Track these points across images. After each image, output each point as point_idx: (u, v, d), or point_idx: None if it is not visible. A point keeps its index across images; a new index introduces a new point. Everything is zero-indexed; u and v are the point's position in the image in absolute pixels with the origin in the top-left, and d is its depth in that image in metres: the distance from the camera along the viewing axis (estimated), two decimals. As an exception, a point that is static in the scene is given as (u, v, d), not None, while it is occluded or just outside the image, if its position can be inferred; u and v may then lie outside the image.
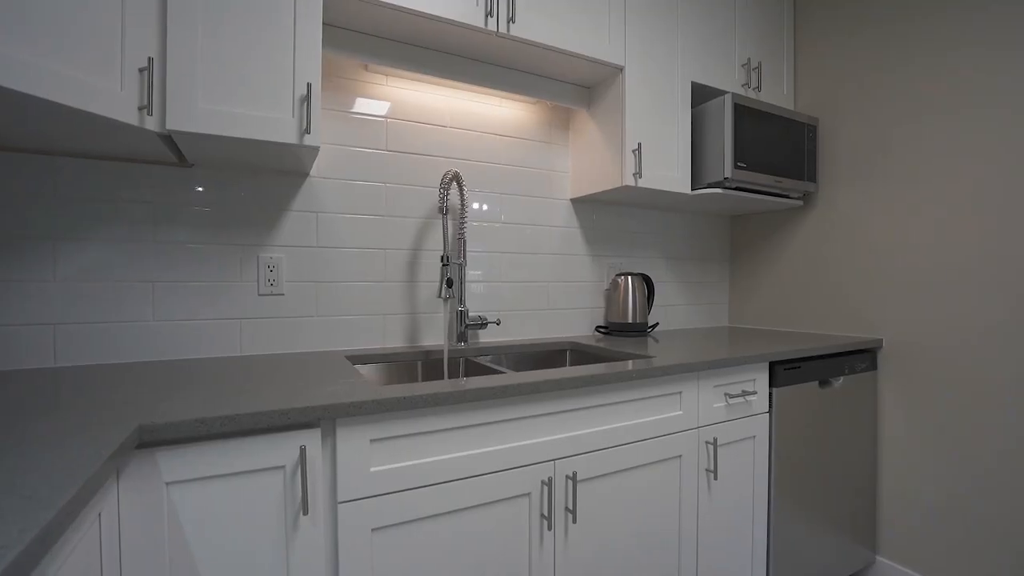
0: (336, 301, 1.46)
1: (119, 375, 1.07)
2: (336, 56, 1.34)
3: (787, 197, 1.88)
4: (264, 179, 1.37)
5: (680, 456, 1.28)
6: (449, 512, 0.98)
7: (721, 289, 2.29)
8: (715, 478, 1.32)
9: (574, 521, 1.09)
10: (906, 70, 1.66)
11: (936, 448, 1.60)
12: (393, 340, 1.54)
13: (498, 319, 1.67)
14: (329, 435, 0.88)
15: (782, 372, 1.47)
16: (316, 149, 1.14)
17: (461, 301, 1.59)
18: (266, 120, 1.07)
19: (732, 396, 1.37)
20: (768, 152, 1.74)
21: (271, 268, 1.37)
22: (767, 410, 1.46)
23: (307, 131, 1.10)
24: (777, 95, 1.95)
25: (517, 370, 1.62)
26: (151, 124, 0.98)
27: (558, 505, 1.09)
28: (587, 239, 1.91)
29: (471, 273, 1.67)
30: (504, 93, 1.63)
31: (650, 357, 1.35)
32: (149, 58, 0.96)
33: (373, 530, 0.91)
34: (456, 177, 1.47)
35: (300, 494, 0.84)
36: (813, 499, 1.56)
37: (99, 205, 1.20)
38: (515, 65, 1.57)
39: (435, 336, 1.61)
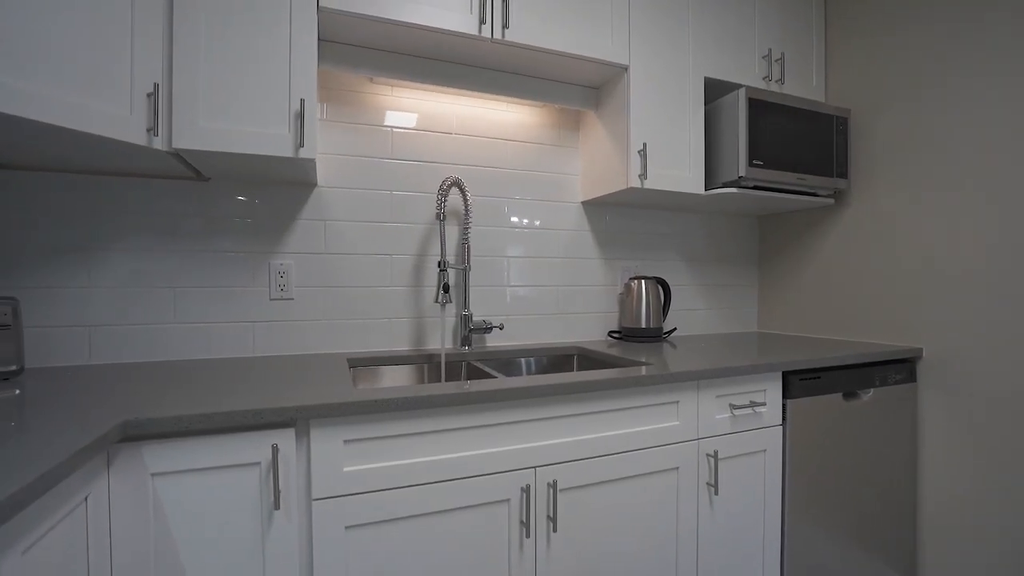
0: (343, 305, 1.52)
1: (140, 372, 1.17)
2: (342, 71, 1.40)
3: (814, 195, 1.76)
4: (274, 190, 1.45)
5: (677, 468, 1.23)
6: (425, 514, 0.99)
7: (749, 293, 2.17)
8: (716, 493, 1.26)
9: (555, 530, 1.07)
10: (953, 56, 1.51)
11: (989, 472, 1.43)
12: (399, 343, 1.59)
13: (501, 324, 1.68)
14: (304, 435, 0.92)
15: (797, 383, 1.38)
16: (312, 161, 1.20)
17: (465, 305, 1.61)
18: (263, 135, 1.14)
19: (737, 407, 1.30)
20: (790, 148, 1.63)
21: (281, 274, 1.45)
22: (780, 423, 1.37)
23: (301, 144, 1.16)
24: (805, 87, 1.83)
25: (520, 374, 1.62)
26: (158, 144, 1.07)
27: (540, 513, 1.08)
28: (599, 242, 1.88)
29: (477, 277, 1.68)
30: (509, 98, 1.63)
31: (647, 364, 1.31)
32: (155, 83, 1.04)
33: (347, 528, 0.94)
34: (457, 183, 1.49)
35: (272, 490, 0.88)
36: (838, 521, 1.45)
37: (128, 218, 1.32)
38: (517, 70, 1.57)
39: (439, 339, 1.64)
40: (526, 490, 1.05)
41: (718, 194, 1.65)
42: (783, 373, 1.38)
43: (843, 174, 1.73)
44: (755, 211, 2.04)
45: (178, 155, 1.14)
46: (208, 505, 0.86)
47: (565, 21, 1.44)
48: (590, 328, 1.87)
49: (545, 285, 1.79)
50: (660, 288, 1.91)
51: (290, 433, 0.90)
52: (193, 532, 0.85)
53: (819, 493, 1.41)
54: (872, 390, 1.51)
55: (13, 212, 1.22)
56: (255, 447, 0.88)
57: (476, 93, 1.58)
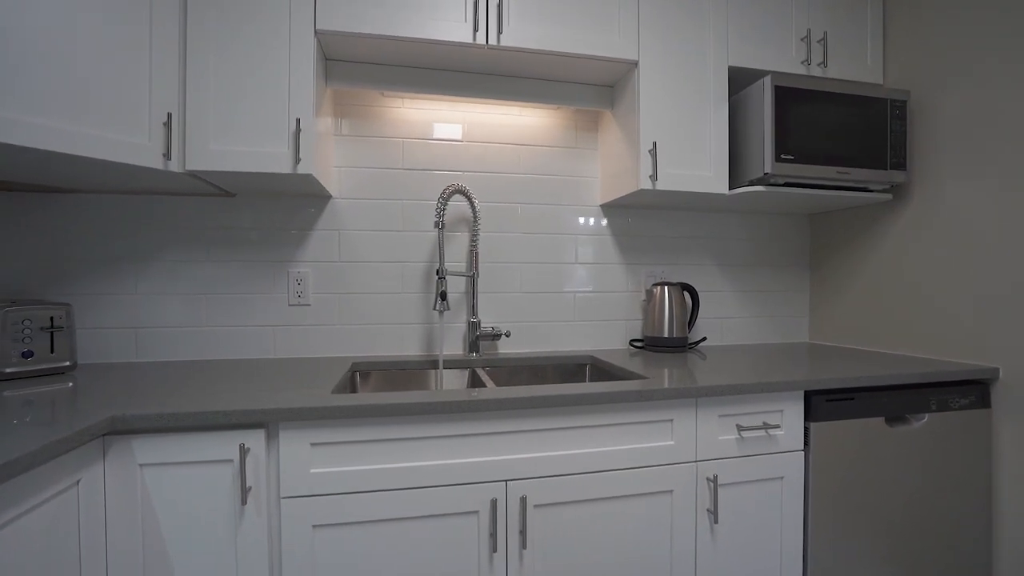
0: (356, 311, 1.59)
1: (172, 370, 1.31)
2: (352, 88, 1.47)
3: (864, 190, 1.55)
4: (292, 202, 1.55)
5: (671, 491, 1.15)
6: (392, 520, 1.01)
7: (798, 299, 1.96)
8: (716, 521, 1.15)
9: (524, 546, 1.04)
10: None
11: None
12: (410, 348, 1.63)
13: (507, 331, 1.66)
14: (274, 436, 0.98)
15: (823, 403, 1.22)
16: (310, 176, 1.27)
17: (473, 312, 1.62)
18: (266, 154, 1.23)
19: (746, 428, 1.18)
20: (829, 139, 1.45)
21: (299, 282, 1.55)
22: (801, 448, 1.23)
23: (299, 160, 1.24)
24: (857, 68, 1.62)
25: (524, 383, 1.60)
26: (173, 167, 1.19)
27: (512, 528, 1.06)
28: (621, 246, 1.79)
29: (488, 284, 1.68)
30: (519, 103, 1.61)
31: (643, 378, 1.23)
32: (169, 113, 1.17)
33: (314, 527, 0.98)
34: (460, 190, 1.50)
35: (239, 486, 0.95)
36: (878, 568, 1.26)
37: (167, 232, 1.48)
38: (524, 73, 1.55)
39: (451, 346, 1.66)
40: (494, 504, 1.04)
41: (744, 193, 1.51)
42: (805, 392, 1.23)
43: (900, 165, 1.51)
44: (801, 209, 1.84)
45: (195, 175, 1.26)
46: (189, 496, 0.94)
47: (565, 20, 1.40)
48: (611, 336, 1.79)
49: (561, 291, 1.74)
50: (687, 295, 1.79)
51: (260, 434, 0.96)
52: (176, 519, 0.93)
53: (852, 531, 1.24)
54: (927, 415, 1.30)
55: (71, 229, 1.42)
56: (229, 445, 0.95)
57: (485, 100, 1.58)
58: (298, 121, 1.22)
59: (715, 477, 1.14)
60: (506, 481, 1.06)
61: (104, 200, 1.44)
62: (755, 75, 1.57)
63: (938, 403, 1.30)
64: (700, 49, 1.50)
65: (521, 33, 1.37)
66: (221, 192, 1.48)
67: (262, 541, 0.96)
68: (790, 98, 1.42)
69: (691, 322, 1.77)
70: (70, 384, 1.16)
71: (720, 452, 1.17)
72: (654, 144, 1.44)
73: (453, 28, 1.33)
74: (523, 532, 1.05)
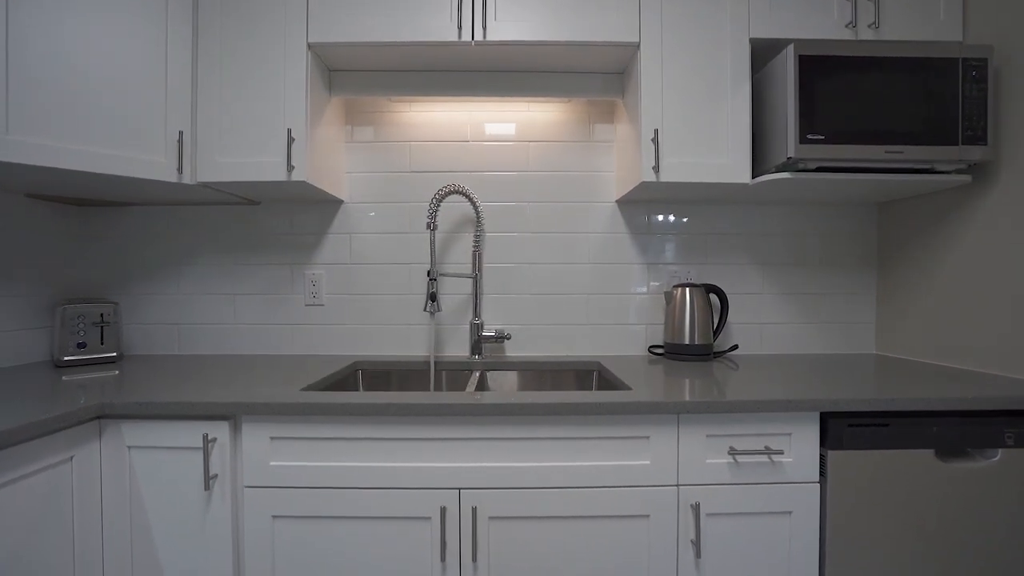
0: (365, 311, 1.65)
1: (199, 363, 1.45)
2: (358, 96, 1.52)
3: (930, 172, 1.28)
4: (309, 208, 1.65)
5: (647, 516, 1.03)
6: (347, 517, 1.02)
7: (862, 304, 1.67)
8: (699, 555, 1.01)
9: (474, 559, 1.00)
10: None
11: None
12: (415, 348, 1.65)
13: (508, 334, 1.61)
14: (239, 428, 1.04)
15: (845, 429, 1.02)
16: (304, 182, 1.33)
17: (476, 314, 1.60)
18: (262, 164, 1.32)
19: (741, 452, 1.02)
20: (874, 112, 1.22)
21: (314, 283, 1.64)
22: (816, 479, 1.04)
23: (292, 168, 1.31)
24: (924, 26, 1.34)
25: (532, 388, 1.54)
26: (186, 179, 1.32)
27: (464, 538, 1.02)
28: (640, 245, 1.66)
29: (493, 286, 1.65)
30: (525, 98, 1.57)
31: (627, 388, 1.13)
32: (180, 131, 1.29)
33: (273, 517, 1.03)
34: (458, 190, 1.49)
35: (203, 472, 1.02)
36: (926, 629, 1.03)
37: (202, 237, 1.65)
38: (528, 67, 1.50)
39: (457, 347, 1.65)
40: (443, 512, 1.01)
41: (769, 182, 1.32)
42: (822, 415, 1.04)
43: (977, 139, 1.22)
44: (860, 199, 1.57)
45: (206, 186, 1.38)
46: (166, 477, 1.03)
47: (555, 7, 1.33)
48: (630, 342, 1.67)
49: (572, 293, 1.66)
50: (714, 297, 1.62)
51: (226, 425, 1.02)
52: (156, 498, 1.03)
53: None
54: (1000, 451, 1.03)
55: (125, 237, 1.64)
56: (198, 434, 1.02)
57: (488, 97, 1.56)
58: (289, 131, 1.29)
59: (697, 504, 1.00)
60: (459, 489, 1.02)
61: (151, 211, 1.64)
62: (783, 47, 1.37)
63: (1017, 437, 1.03)
64: (714, 23, 1.34)
65: (509, 26, 1.32)
66: (246, 201, 1.62)
67: (226, 526, 1.02)
68: (821, 69, 1.22)
69: (719, 328, 1.58)
70: (116, 372, 1.34)
71: (707, 477, 1.03)
72: (656, 132, 1.31)
73: (439, 28, 1.32)
74: (474, 543, 1.01)
